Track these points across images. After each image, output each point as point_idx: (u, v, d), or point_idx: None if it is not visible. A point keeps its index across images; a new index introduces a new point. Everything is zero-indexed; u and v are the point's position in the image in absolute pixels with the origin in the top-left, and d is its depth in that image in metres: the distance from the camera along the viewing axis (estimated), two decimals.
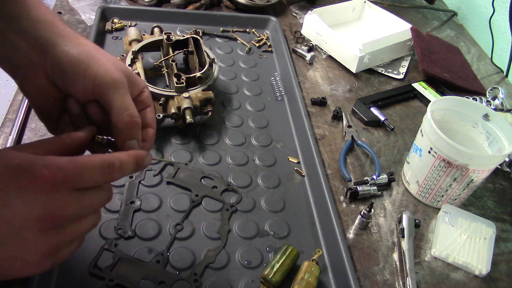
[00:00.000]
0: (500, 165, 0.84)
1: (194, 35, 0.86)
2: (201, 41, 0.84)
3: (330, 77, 1.01)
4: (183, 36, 0.87)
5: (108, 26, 0.97)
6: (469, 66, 1.13)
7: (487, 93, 1.03)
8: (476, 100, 0.96)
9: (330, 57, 1.06)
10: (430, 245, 0.70)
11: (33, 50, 0.45)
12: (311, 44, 1.05)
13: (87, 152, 0.46)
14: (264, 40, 1.06)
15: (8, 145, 0.68)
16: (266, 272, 0.58)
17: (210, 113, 0.78)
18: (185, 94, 0.74)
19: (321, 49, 1.07)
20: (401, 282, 0.64)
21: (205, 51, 0.83)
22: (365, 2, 1.19)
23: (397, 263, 0.66)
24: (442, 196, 0.74)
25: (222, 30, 1.06)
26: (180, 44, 0.85)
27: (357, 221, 0.70)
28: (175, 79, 0.75)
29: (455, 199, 0.74)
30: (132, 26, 0.98)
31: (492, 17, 1.25)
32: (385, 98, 0.96)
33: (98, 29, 0.93)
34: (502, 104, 0.98)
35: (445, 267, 0.67)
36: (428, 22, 1.34)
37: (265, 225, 0.67)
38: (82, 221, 0.40)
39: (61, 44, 0.45)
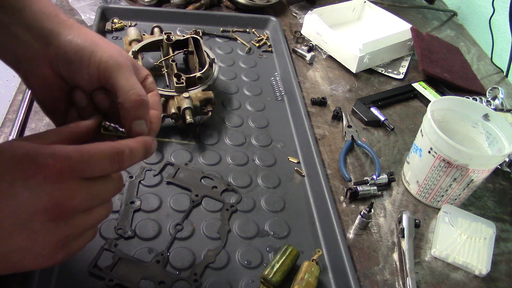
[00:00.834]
0: (500, 165, 0.84)
1: (194, 35, 0.86)
2: (201, 41, 0.84)
3: (330, 77, 1.01)
4: (183, 36, 0.87)
5: (108, 26, 0.97)
6: (469, 66, 1.13)
7: (487, 93, 1.03)
8: (476, 100, 0.96)
9: (330, 57, 1.06)
10: (430, 245, 0.70)
11: (37, 42, 0.44)
12: (311, 44, 1.05)
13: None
14: (264, 40, 1.06)
15: None
16: (266, 272, 0.58)
17: (210, 113, 0.78)
18: (185, 94, 0.74)
19: (321, 49, 1.07)
20: (401, 282, 0.64)
21: (205, 51, 0.83)
22: (365, 2, 1.19)
23: (397, 263, 0.66)
24: (442, 196, 0.74)
25: (222, 30, 1.06)
26: (180, 44, 0.85)
27: (357, 221, 0.70)
28: (175, 79, 0.75)
29: (455, 199, 0.74)
30: (132, 26, 0.98)
31: (492, 17, 1.25)
32: (385, 98, 0.96)
33: (98, 29, 0.93)
34: (502, 104, 0.98)
35: (445, 267, 0.68)
36: (428, 22, 1.34)
37: (265, 225, 0.67)
38: (93, 211, 0.40)
39: (65, 34, 0.45)
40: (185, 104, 0.73)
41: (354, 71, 1.01)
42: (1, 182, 0.34)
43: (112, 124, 0.46)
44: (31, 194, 0.34)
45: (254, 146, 0.80)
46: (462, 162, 0.67)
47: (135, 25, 1.00)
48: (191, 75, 0.77)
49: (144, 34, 0.89)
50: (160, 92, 0.75)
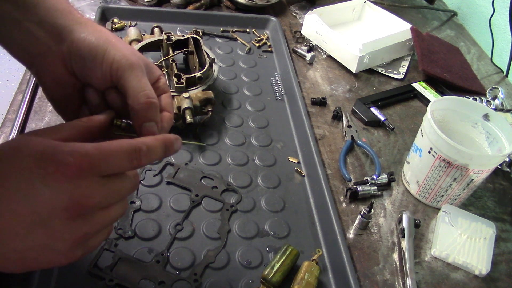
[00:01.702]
0: (500, 165, 0.84)
1: (194, 35, 0.86)
2: (201, 41, 0.84)
3: (330, 77, 1.01)
4: (183, 36, 0.87)
5: (108, 26, 0.97)
6: (469, 66, 1.13)
7: (487, 93, 1.03)
8: (476, 100, 0.96)
9: (330, 57, 1.06)
10: (430, 245, 0.70)
11: (51, 38, 0.44)
12: (311, 44, 1.05)
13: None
14: (264, 40, 1.06)
15: None
16: (266, 272, 0.58)
17: (210, 113, 0.78)
18: (185, 94, 0.74)
19: (321, 49, 1.07)
20: (401, 282, 0.64)
21: (205, 51, 0.83)
22: (365, 2, 1.19)
23: (397, 263, 0.66)
24: (442, 196, 0.74)
25: (222, 30, 1.06)
26: (180, 44, 0.85)
27: (357, 221, 0.70)
28: (175, 79, 0.76)
29: (455, 199, 0.74)
30: (132, 26, 0.98)
31: (492, 17, 1.25)
32: (385, 98, 0.96)
33: None
34: (502, 104, 0.98)
35: (445, 267, 0.68)
36: (428, 22, 1.34)
37: (265, 225, 0.67)
38: (110, 209, 0.40)
39: (79, 31, 0.45)
40: (185, 104, 0.73)
41: (354, 71, 1.01)
42: (21, 180, 0.34)
43: (124, 120, 0.46)
44: (51, 192, 0.34)
45: (254, 146, 0.80)
46: (462, 162, 0.67)
47: (135, 25, 1.00)
48: (191, 75, 0.77)
49: (144, 34, 0.89)
50: None
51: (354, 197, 0.73)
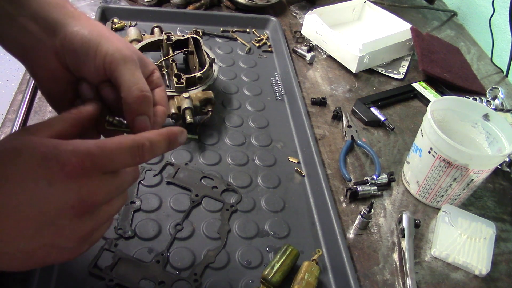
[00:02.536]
0: (500, 165, 0.84)
1: (194, 35, 0.86)
2: (201, 41, 0.84)
3: (330, 77, 1.01)
4: (183, 36, 0.87)
5: (108, 26, 0.97)
6: (469, 66, 1.13)
7: (487, 93, 1.03)
8: (476, 100, 0.96)
9: (330, 57, 1.06)
10: (430, 245, 0.70)
11: (44, 32, 0.44)
12: (311, 44, 1.05)
13: (102, 137, 0.46)
14: (264, 40, 1.06)
15: None
16: (266, 272, 0.58)
17: (210, 113, 0.78)
18: (185, 94, 0.74)
19: (321, 49, 1.07)
20: (401, 282, 0.64)
21: (205, 51, 0.83)
22: (365, 2, 1.19)
23: (397, 263, 0.66)
24: (442, 196, 0.74)
25: (222, 30, 1.06)
26: (180, 44, 0.85)
27: (357, 221, 0.70)
28: (175, 79, 0.76)
29: (455, 199, 0.74)
30: (132, 26, 0.98)
31: (492, 17, 1.25)
32: (385, 98, 0.96)
33: None
34: (502, 104, 0.98)
35: (445, 267, 0.68)
36: (428, 22, 1.34)
37: (265, 225, 0.67)
38: (113, 202, 0.40)
39: (72, 24, 0.44)
40: (185, 104, 0.73)
41: (354, 71, 1.01)
42: (26, 181, 0.34)
43: (116, 118, 0.46)
44: (57, 192, 0.35)
45: (254, 146, 0.80)
46: (462, 162, 0.67)
47: (135, 25, 1.00)
48: (191, 75, 0.77)
49: (144, 34, 0.89)
50: None
51: (354, 197, 0.73)
